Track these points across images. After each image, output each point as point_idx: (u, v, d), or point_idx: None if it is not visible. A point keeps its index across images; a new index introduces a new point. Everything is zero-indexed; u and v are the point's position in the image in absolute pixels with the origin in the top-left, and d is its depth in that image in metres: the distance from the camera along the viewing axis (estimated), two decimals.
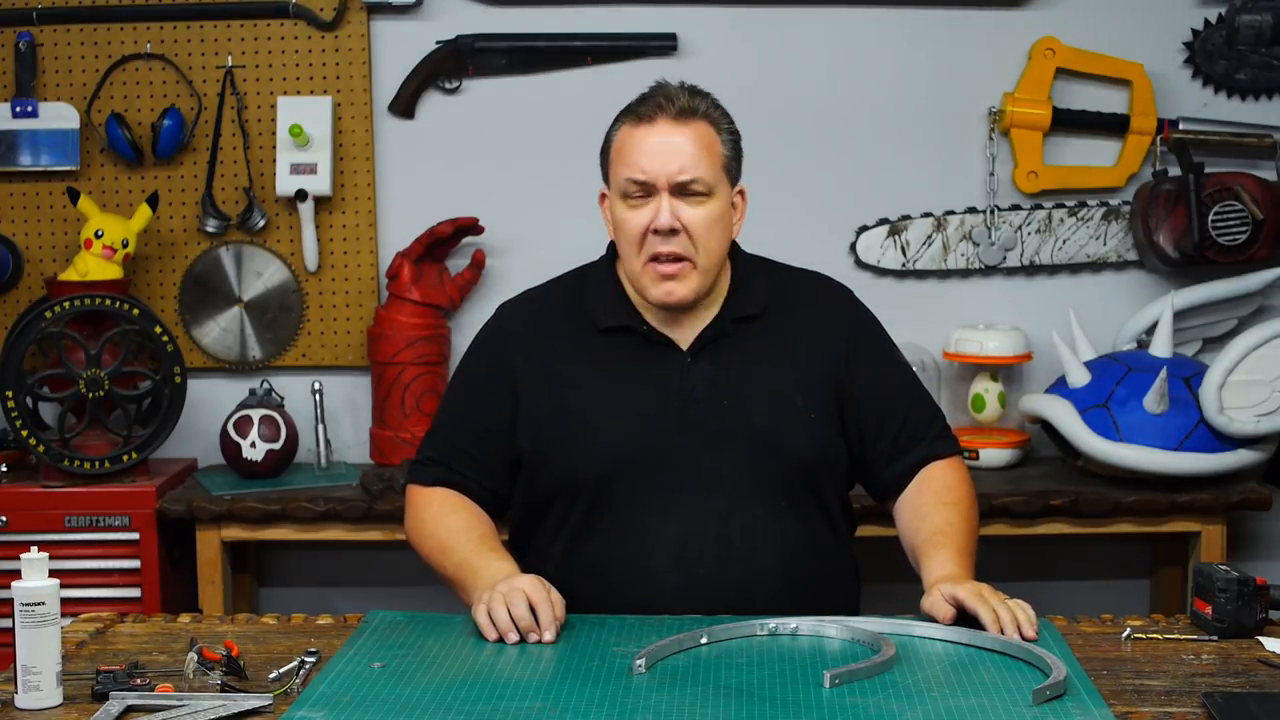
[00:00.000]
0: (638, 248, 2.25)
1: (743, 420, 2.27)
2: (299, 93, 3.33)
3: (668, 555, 2.23)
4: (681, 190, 2.23)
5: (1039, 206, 3.36)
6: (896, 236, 3.35)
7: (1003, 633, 1.98)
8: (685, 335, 2.32)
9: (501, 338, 2.38)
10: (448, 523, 2.29)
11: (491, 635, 2.01)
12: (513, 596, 2.03)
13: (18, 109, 3.30)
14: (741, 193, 2.34)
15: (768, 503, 2.26)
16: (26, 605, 1.79)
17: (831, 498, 2.34)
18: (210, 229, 3.34)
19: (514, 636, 2.00)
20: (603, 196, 2.34)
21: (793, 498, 2.28)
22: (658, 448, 2.25)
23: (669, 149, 2.23)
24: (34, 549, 1.84)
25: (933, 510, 2.28)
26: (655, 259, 2.24)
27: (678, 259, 2.24)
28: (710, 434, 2.26)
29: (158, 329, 3.13)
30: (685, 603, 2.19)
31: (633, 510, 2.25)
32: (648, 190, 2.24)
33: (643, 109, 2.27)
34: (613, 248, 2.39)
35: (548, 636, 2.00)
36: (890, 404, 2.36)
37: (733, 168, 2.30)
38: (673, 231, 2.22)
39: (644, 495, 2.25)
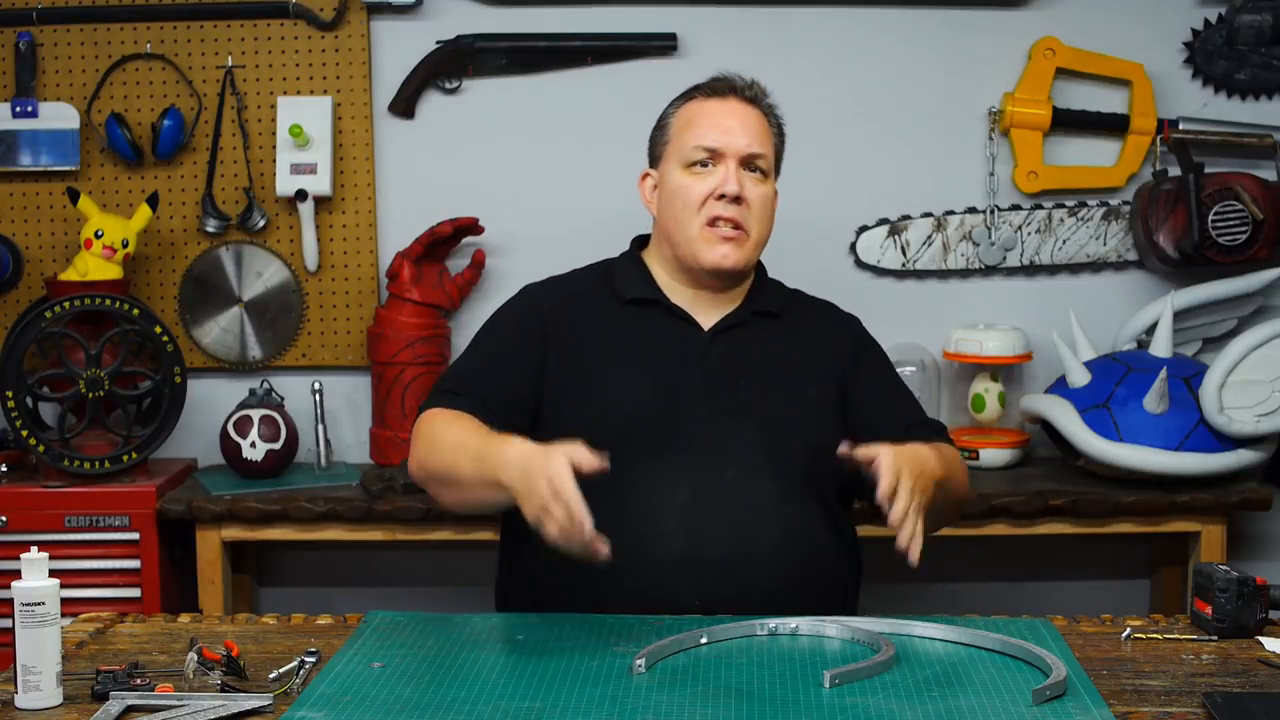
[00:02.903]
0: (697, 210, 2.33)
1: (758, 401, 2.32)
2: (299, 93, 3.33)
3: (675, 521, 2.23)
4: (748, 163, 2.34)
5: (1039, 206, 3.36)
6: (896, 236, 3.35)
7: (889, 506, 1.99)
8: (708, 318, 2.39)
9: (532, 301, 2.43)
10: (458, 428, 2.19)
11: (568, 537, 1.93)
12: (548, 511, 1.92)
13: (18, 109, 3.30)
14: (775, 191, 2.45)
15: (776, 481, 2.28)
16: (26, 605, 1.79)
17: (833, 490, 2.36)
18: (210, 229, 3.34)
19: (586, 528, 1.91)
20: (643, 176, 2.41)
21: (800, 481, 2.30)
22: (674, 416, 2.28)
23: (741, 123, 2.35)
24: (34, 549, 1.84)
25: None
26: (715, 222, 2.32)
27: (736, 225, 2.33)
28: (726, 409, 2.30)
29: (158, 329, 3.13)
30: (687, 571, 2.20)
31: (642, 474, 2.25)
32: (715, 159, 2.33)
33: (716, 84, 2.40)
34: (636, 243, 2.45)
35: (587, 534, 1.90)
36: (890, 411, 2.42)
37: (779, 162, 2.44)
38: (738, 199, 2.32)
39: (655, 461, 2.26)
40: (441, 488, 2.22)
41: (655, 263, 2.44)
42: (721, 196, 2.31)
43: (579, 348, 2.34)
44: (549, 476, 1.91)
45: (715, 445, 2.27)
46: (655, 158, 2.43)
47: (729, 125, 2.35)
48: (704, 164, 2.33)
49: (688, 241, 2.34)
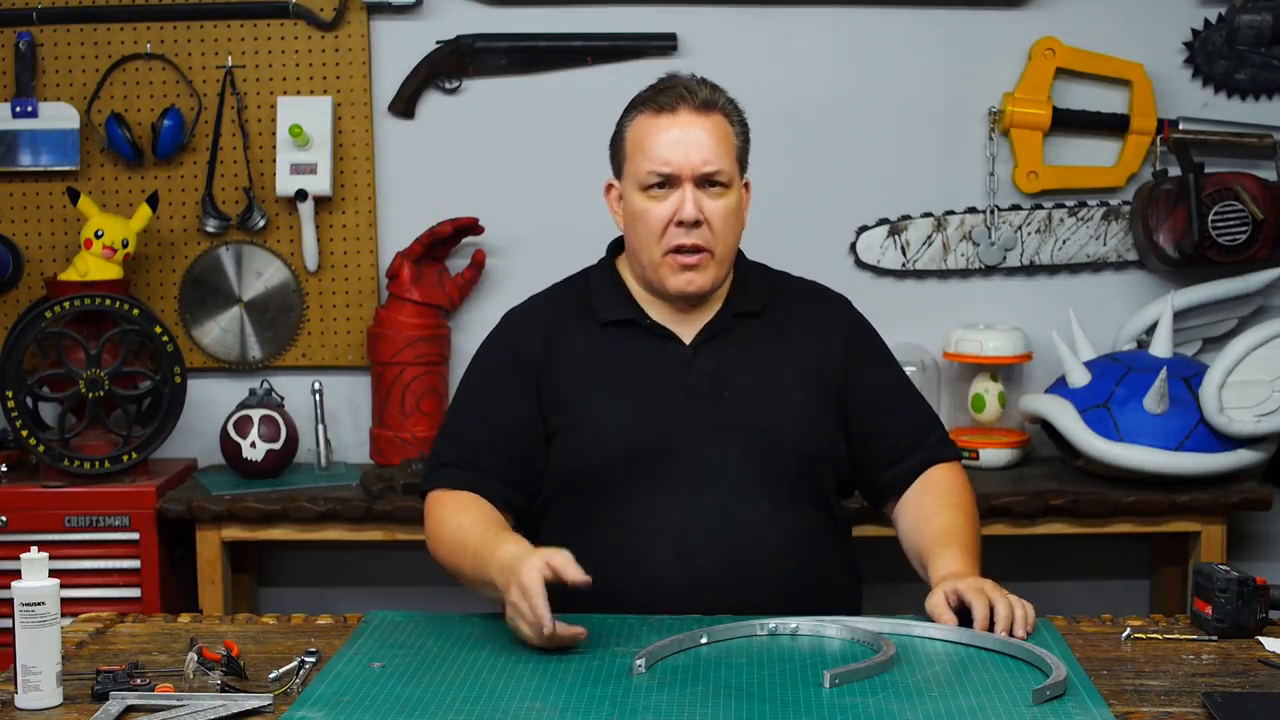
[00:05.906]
0: (658, 238, 2.27)
1: (744, 413, 2.28)
2: (299, 93, 3.33)
3: (667, 547, 2.23)
4: (704, 182, 2.25)
5: (1039, 206, 3.36)
6: (896, 236, 3.35)
7: (992, 629, 1.98)
8: (688, 330, 2.33)
9: (514, 336, 2.37)
10: (458, 521, 2.23)
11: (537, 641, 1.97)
12: (518, 610, 1.98)
13: (18, 109, 3.30)
14: (747, 185, 2.36)
15: (769, 495, 2.26)
16: (26, 605, 1.79)
17: (830, 492, 2.35)
18: (210, 229, 3.34)
19: (547, 631, 1.95)
20: (608, 187, 2.35)
21: (793, 490, 2.28)
22: (659, 440, 2.26)
23: (692, 140, 2.24)
24: (34, 549, 1.84)
25: (937, 513, 2.28)
26: (677, 250, 2.26)
27: (698, 250, 2.26)
28: (712, 426, 2.27)
29: (158, 329, 3.13)
30: (685, 595, 2.19)
31: (633, 503, 2.25)
32: (670, 182, 2.25)
33: (663, 99, 2.27)
34: (612, 247, 2.41)
35: (546, 630, 1.94)
36: (890, 408, 2.37)
37: (744, 160, 2.33)
38: (696, 223, 2.24)
39: (645, 488, 2.25)
40: (449, 571, 2.25)
41: (631, 275, 2.37)
42: (681, 223, 2.24)
43: (563, 378, 2.29)
44: (521, 584, 1.96)
45: (704, 466, 2.25)
46: (615, 170, 2.35)
47: (681, 145, 2.23)
48: (660, 186, 2.25)
49: (653, 266, 2.29)
